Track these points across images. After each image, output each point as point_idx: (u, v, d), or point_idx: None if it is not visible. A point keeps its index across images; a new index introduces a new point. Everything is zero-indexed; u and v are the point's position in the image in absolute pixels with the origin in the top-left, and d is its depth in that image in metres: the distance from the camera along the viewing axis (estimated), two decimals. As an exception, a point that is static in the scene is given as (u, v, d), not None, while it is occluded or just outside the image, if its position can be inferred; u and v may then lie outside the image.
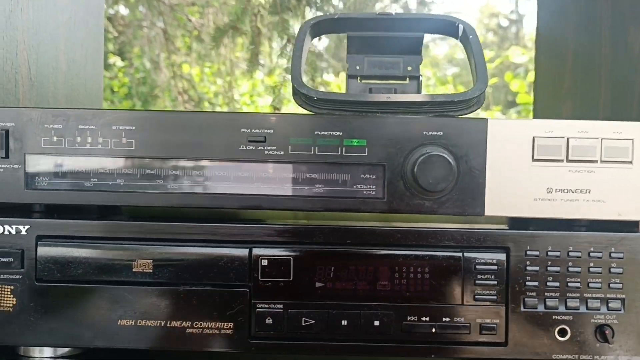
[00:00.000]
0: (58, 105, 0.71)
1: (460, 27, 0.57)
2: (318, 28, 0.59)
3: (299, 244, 0.49)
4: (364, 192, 0.49)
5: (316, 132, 0.49)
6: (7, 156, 0.49)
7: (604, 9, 0.63)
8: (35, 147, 0.49)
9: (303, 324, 0.49)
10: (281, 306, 0.49)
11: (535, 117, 0.82)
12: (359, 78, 0.59)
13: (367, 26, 0.58)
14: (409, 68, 0.59)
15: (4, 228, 0.49)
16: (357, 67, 0.59)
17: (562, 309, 0.49)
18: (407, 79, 0.58)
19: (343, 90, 0.58)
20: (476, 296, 0.49)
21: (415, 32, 0.58)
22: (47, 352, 0.52)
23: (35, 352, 0.53)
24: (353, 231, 0.50)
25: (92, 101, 0.79)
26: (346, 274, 0.49)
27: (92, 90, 0.78)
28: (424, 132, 0.48)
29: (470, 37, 0.56)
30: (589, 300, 0.49)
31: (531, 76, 2.56)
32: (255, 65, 1.77)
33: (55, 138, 0.49)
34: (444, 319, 0.49)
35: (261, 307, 0.49)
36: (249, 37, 1.71)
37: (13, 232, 0.49)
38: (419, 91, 0.58)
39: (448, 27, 0.58)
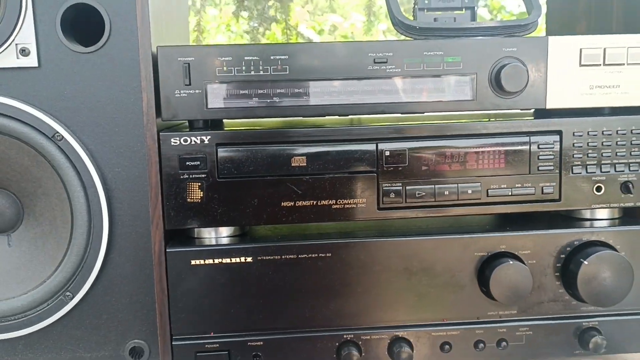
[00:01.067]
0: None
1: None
2: (399, -32, 0.74)
3: (411, 139, 0.67)
4: (459, 97, 0.66)
5: (424, 53, 0.65)
6: (190, 84, 0.64)
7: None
8: (212, 76, 0.64)
9: (417, 196, 0.68)
10: (400, 184, 0.67)
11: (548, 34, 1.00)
12: (425, 10, 0.74)
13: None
14: (466, 1, 0.74)
15: (190, 139, 0.64)
16: (426, 1, 0.74)
17: (598, 172, 0.69)
18: (464, 9, 0.74)
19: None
20: (539, 167, 0.68)
21: (475, -32, 0.74)
22: (225, 231, 0.69)
23: (206, 232, 0.70)
24: (450, 127, 0.67)
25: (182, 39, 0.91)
26: (445, 159, 0.68)
27: (182, 27, 0.91)
28: (503, 49, 0.66)
29: (522, -29, 0.72)
30: (617, 165, 0.69)
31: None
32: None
33: (227, 68, 0.64)
34: (516, 185, 0.68)
35: (385, 186, 0.67)
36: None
37: (198, 141, 0.65)
38: (473, 19, 0.74)
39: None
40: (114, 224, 0.67)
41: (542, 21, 0.88)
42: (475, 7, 0.74)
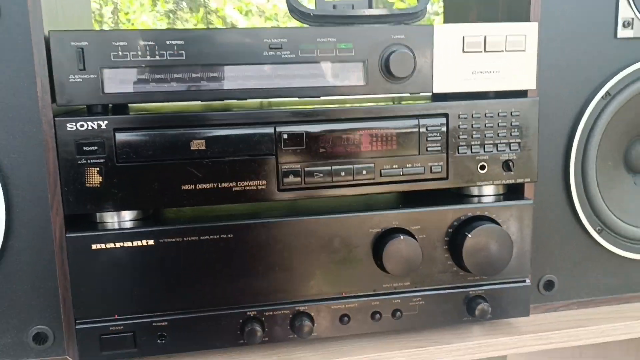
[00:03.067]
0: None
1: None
2: (297, -44, 0.76)
3: (309, 123, 0.70)
4: (352, 82, 0.70)
5: (317, 40, 0.68)
6: (84, 68, 0.64)
7: None
8: (107, 61, 0.64)
9: (314, 177, 0.71)
10: (298, 166, 0.70)
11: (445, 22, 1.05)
12: (323, -6, 0.77)
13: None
14: (364, -15, 0.78)
15: (87, 124, 0.65)
16: (324, -13, 0.77)
17: (482, 152, 0.74)
18: (363, -6, 0.78)
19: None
20: (428, 148, 0.73)
21: (369, -43, 0.77)
22: (127, 215, 0.70)
23: (108, 217, 0.70)
24: (346, 110, 0.71)
25: (83, 22, 0.90)
26: (341, 141, 0.71)
27: (84, 9, 0.89)
28: (392, 36, 0.69)
29: (412, -38, 0.76)
30: (498, 145, 0.74)
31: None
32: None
33: (121, 52, 0.64)
34: (407, 165, 0.73)
35: (285, 168, 0.70)
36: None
37: (95, 126, 0.65)
38: (370, 6, 0.77)
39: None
40: (11, 210, 0.67)
41: (440, 10, 0.93)
42: (373, -7, 0.78)
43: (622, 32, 0.78)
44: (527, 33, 0.72)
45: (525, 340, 0.77)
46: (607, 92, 0.78)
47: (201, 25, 2.40)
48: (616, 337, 0.79)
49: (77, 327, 0.68)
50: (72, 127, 0.64)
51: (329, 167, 0.71)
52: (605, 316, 0.82)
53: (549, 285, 0.83)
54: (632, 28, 0.78)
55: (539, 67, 0.75)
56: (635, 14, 0.77)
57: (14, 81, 0.64)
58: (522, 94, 0.75)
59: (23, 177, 0.66)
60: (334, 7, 0.76)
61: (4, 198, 0.66)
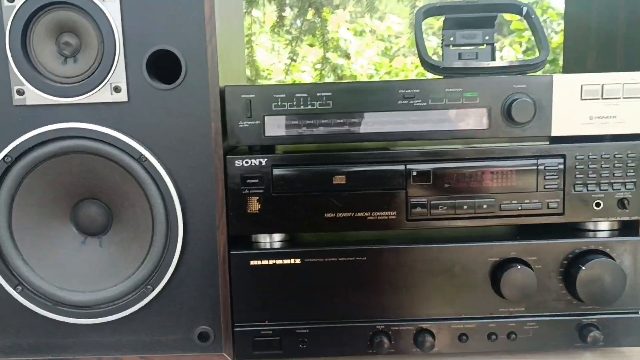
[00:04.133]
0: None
1: (525, 8, 0.85)
2: (426, 13, 0.86)
3: (435, 162, 0.79)
4: (476, 126, 0.78)
5: (446, 90, 0.77)
6: (251, 116, 0.77)
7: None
8: (269, 110, 0.77)
9: (439, 209, 0.80)
10: (425, 199, 0.80)
11: (564, 69, 1.11)
12: (451, 46, 0.86)
13: (461, 10, 0.85)
14: (487, 37, 0.86)
15: (251, 161, 0.78)
16: (451, 39, 0.86)
17: (597, 190, 0.80)
18: (485, 45, 0.86)
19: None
20: (545, 186, 0.80)
21: (491, 12, 0.85)
22: (278, 237, 0.83)
23: (261, 237, 0.83)
24: (469, 150, 0.79)
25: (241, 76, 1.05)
26: (464, 178, 0.80)
27: (241, 66, 1.05)
28: (514, 86, 0.77)
29: (532, 16, 0.84)
30: (614, 184, 0.80)
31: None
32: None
33: (281, 103, 0.77)
34: (525, 201, 0.80)
35: (413, 201, 0.80)
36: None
37: (257, 163, 0.78)
38: (493, 54, 0.86)
39: (515, 9, 0.86)
40: (187, 230, 0.81)
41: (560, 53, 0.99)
42: (494, 44, 0.86)
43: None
44: (644, 81, 0.78)
45: (638, 369, 0.81)
46: None
47: (319, 47, 2.55)
48: None
49: (235, 329, 0.81)
50: (239, 164, 0.78)
51: (453, 201, 0.80)
52: None
53: (663, 318, 0.86)
54: None
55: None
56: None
57: (194, 125, 0.79)
58: (639, 136, 0.80)
59: (197, 203, 0.81)
60: (459, 55, 0.85)
61: (182, 220, 0.81)
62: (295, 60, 2.38)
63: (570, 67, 1.07)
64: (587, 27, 0.98)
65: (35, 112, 0.79)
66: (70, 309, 0.83)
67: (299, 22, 2.23)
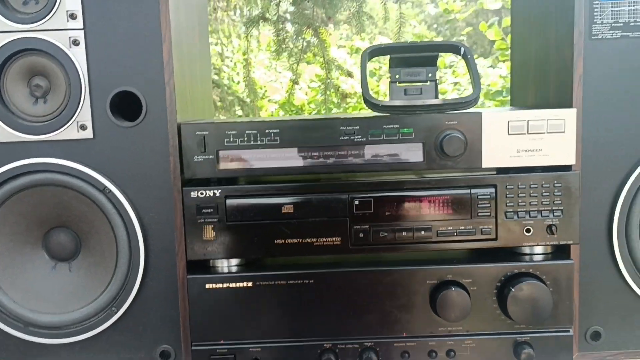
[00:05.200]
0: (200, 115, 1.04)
1: (462, 49, 0.92)
2: (372, 53, 0.93)
3: (376, 191, 0.86)
4: (412, 159, 0.85)
5: (384, 126, 0.84)
6: (205, 151, 0.84)
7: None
8: (222, 145, 0.84)
9: (380, 235, 0.86)
10: (367, 226, 0.86)
11: (511, 100, 1.18)
12: (397, 83, 0.93)
13: (404, 50, 0.92)
14: (429, 75, 0.93)
15: (205, 192, 0.85)
16: (397, 76, 0.93)
17: (527, 217, 0.86)
18: (428, 82, 0.93)
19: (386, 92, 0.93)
20: (479, 213, 0.86)
21: (432, 52, 0.92)
22: (233, 262, 0.89)
23: (218, 262, 0.90)
24: (407, 182, 0.86)
25: (205, 108, 1.12)
26: (404, 207, 0.86)
27: (206, 99, 1.12)
28: (446, 122, 0.84)
29: (469, 56, 0.91)
30: (542, 212, 0.86)
31: (506, 22, 2.74)
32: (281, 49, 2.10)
33: (232, 139, 0.84)
34: (461, 227, 0.86)
35: (356, 228, 0.86)
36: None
37: (211, 194, 0.85)
38: (436, 90, 0.92)
39: (454, 49, 0.93)
40: (148, 256, 0.88)
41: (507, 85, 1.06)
42: (437, 81, 0.93)
43: (661, 111, 0.87)
44: (566, 117, 0.84)
45: (568, 384, 0.87)
46: (649, 165, 0.87)
47: (320, 67, 2.60)
48: (657, 388, 0.87)
49: (192, 348, 0.88)
50: (194, 195, 0.85)
51: (393, 228, 0.86)
52: (650, 368, 0.90)
53: (596, 335, 0.92)
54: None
55: (585, 144, 0.86)
56: None
57: (154, 159, 0.86)
58: (566, 168, 0.87)
59: (158, 231, 0.88)
60: (405, 91, 0.92)
61: (144, 246, 0.87)
62: (297, 83, 2.45)
63: (516, 101, 1.14)
64: (527, 64, 1.05)
65: (7, 149, 0.86)
66: (41, 329, 0.90)
67: (297, 43, 2.30)
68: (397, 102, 0.87)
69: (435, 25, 6.18)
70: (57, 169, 0.86)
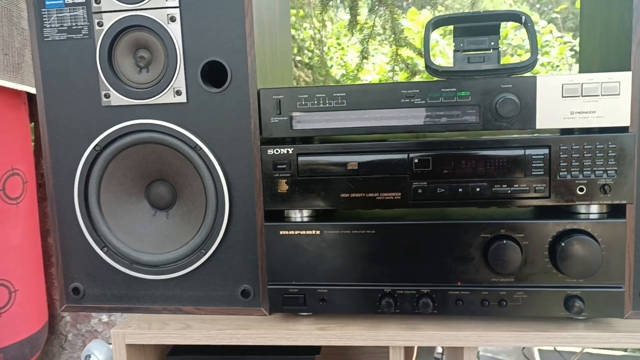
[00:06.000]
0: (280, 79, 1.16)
1: (523, 17, 0.96)
2: (436, 24, 1.00)
3: (434, 150, 0.93)
4: (469, 120, 0.92)
5: (442, 90, 0.91)
6: (280, 113, 0.95)
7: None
8: (294, 107, 0.95)
9: (438, 191, 0.94)
10: (425, 183, 0.94)
11: (579, 69, 1.20)
12: (461, 52, 0.99)
13: (467, 19, 0.98)
14: (492, 43, 0.98)
15: (280, 150, 0.96)
16: (461, 45, 0.99)
17: (580, 177, 0.90)
18: (491, 50, 0.98)
19: (451, 60, 1.00)
20: (532, 172, 0.91)
21: (494, 21, 0.98)
22: (305, 212, 1.00)
23: (292, 213, 1.01)
24: (463, 141, 0.93)
25: (285, 80, 1.24)
26: (460, 165, 0.93)
27: (285, 71, 1.24)
28: (501, 86, 0.90)
29: (529, 24, 0.95)
30: (596, 172, 0.90)
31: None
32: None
33: (304, 102, 0.95)
34: (514, 185, 0.92)
35: (415, 184, 0.94)
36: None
37: (285, 152, 0.96)
38: (499, 58, 0.98)
39: (516, 18, 0.98)
40: (232, 206, 1.01)
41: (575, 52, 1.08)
42: (499, 49, 0.98)
43: None
44: (621, 80, 0.87)
45: (618, 337, 0.90)
46: None
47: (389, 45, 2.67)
48: None
49: (268, 287, 1.00)
50: (271, 152, 0.97)
51: (450, 185, 0.93)
52: None
53: (652, 295, 0.94)
54: None
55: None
56: None
57: (238, 121, 0.98)
58: (622, 129, 0.90)
59: (240, 184, 1.00)
60: (469, 59, 0.98)
61: (229, 197, 1.00)
62: (367, 58, 2.54)
63: (583, 69, 1.16)
64: (593, 32, 1.07)
65: (117, 112, 1.01)
66: (142, 267, 1.05)
67: (370, 21, 2.38)
68: (454, 68, 0.93)
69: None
70: (157, 129, 1.01)
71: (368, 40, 2.41)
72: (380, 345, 0.96)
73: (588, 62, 1.13)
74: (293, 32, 3.29)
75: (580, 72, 1.20)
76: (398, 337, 0.96)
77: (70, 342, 2.06)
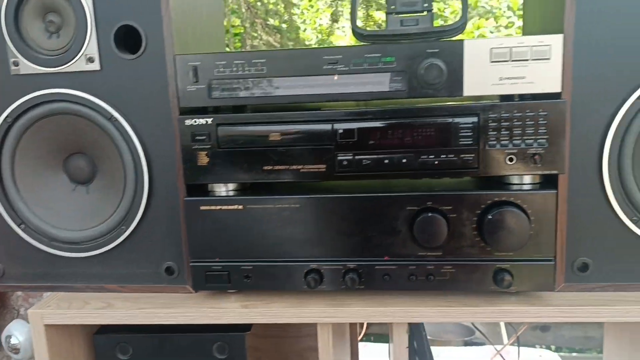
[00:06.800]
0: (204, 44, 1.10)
1: (454, -23, 0.91)
2: (364, -16, 0.94)
3: (360, 120, 0.89)
4: (394, 87, 0.87)
5: (365, 55, 0.86)
6: (197, 81, 0.90)
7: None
8: (212, 74, 0.89)
9: (363, 163, 0.89)
10: (351, 155, 0.90)
11: (523, 31, 1.15)
12: (394, 14, 0.94)
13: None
14: (425, 4, 0.93)
15: (199, 120, 0.91)
16: (392, 7, 0.93)
17: (510, 146, 0.86)
18: (425, 12, 0.93)
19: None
20: (460, 141, 0.87)
21: (427, -18, 0.92)
22: (230, 186, 0.95)
23: (216, 187, 0.96)
24: (389, 111, 0.88)
25: (214, 47, 1.17)
26: (386, 134, 0.88)
27: (215, 38, 1.17)
28: (427, 50, 0.85)
29: (459, -16, 0.90)
30: (526, 140, 0.86)
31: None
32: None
33: (222, 69, 0.89)
34: (442, 156, 0.88)
35: (340, 156, 0.90)
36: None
37: (204, 122, 0.91)
38: (432, 20, 0.93)
39: (446, -23, 0.92)
40: (152, 179, 0.96)
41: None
42: (432, 11, 0.93)
43: (660, 38, 0.83)
44: (552, 43, 0.83)
45: (546, 311, 0.88)
46: (643, 94, 0.85)
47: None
48: (637, 318, 0.86)
49: (190, 264, 0.96)
50: (189, 123, 0.91)
51: (375, 156, 0.89)
52: (635, 299, 0.89)
53: (584, 267, 0.92)
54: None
55: (575, 71, 0.84)
56: None
57: (155, 89, 0.93)
58: (554, 95, 0.86)
59: (160, 157, 0.95)
60: (401, 22, 0.93)
61: (147, 170, 0.95)
62: (337, 21, 2.47)
63: (528, 29, 1.11)
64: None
65: (27, 80, 0.95)
66: (62, 244, 1.00)
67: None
68: (380, 32, 0.88)
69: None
70: (71, 99, 0.94)
71: (337, 3, 2.34)
72: (308, 323, 0.93)
73: (530, 24, 1.08)
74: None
75: (523, 35, 1.15)
76: (324, 314, 0.92)
77: (22, 316, 2.02)
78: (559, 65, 0.84)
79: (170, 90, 0.92)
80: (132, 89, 0.94)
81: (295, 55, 0.88)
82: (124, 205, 0.97)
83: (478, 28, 4.47)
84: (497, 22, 4.51)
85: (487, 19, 4.50)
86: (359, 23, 0.89)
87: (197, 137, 0.91)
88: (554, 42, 0.83)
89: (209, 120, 0.91)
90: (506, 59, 0.84)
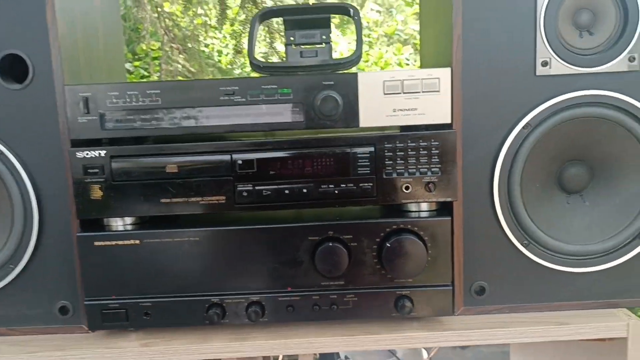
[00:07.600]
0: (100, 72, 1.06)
1: (351, 10, 0.93)
2: (264, 16, 0.95)
3: (259, 151, 0.88)
4: (292, 119, 0.87)
5: (262, 87, 0.86)
6: (88, 112, 0.86)
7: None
8: (104, 106, 0.86)
9: (263, 194, 0.89)
10: (251, 186, 0.89)
11: (421, 58, 1.19)
12: (293, 45, 0.95)
13: (295, 12, 0.94)
14: (324, 37, 0.94)
15: (90, 153, 0.87)
16: (292, 39, 0.94)
17: (406, 175, 0.88)
18: (323, 44, 0.94)
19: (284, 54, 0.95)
20: (358, 171, 0.88)
21: (323, 14, 0.94)
22: (128, 220, 0.92)
23: (112, 221, 0.93)
24: (288, 141, 0.88)
25: (114, 75, 1.14)
26: (286, 165, 0.88)
27: (114, 66, 1.14)
28: (323, 82, 0.86)
29: (356, 18, 0.92)
30: (420, 169, 0.88)
31: None
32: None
33: (114, 100, 0.86)
34: (341, 185, 0.89)
35: (240, 187, 0.89)
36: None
37: (96, 154, 0.88)
38: (330, 52, 0.94)
39: (344, 11, 0.94)
40: (43, 214, 0.91)
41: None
42: (331, 43, 0.94)
43: (540, 71, 0.89)
44: (440, 76, 0.86)
45: (446, 335, 0.90)
46: (528, 123, 0.89)
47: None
48: (531, 339, 0.90)
49: (85, 302, 0.91)
50: (80, 155, 0.87)
51: (276, 187, 0.89)
52: (529, 320, 0.93)
53: (481, 290, 0.95)
54: (550, 67, 0.88)
55: (464, 102, 0.88)
56: (551, 54, 0.88)
57: (45, 121, 0.88)
58: (445, 126, 0.89)
59: (52, 191, 0.90)
60: (301, 54, 0.94)
61: (37, 205, 0.90)
62: (240, 52, 2.47)
63: (425, 61, 1.15)
64: (430, 23, 1.06)
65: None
66: (-57, 286, 0.93)
67: (241, 16, 2.31)
68: (277, 64, 0.88)
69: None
70: (-50, 131, 0.88)
71: (240, 35, 2.34)
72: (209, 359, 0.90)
73: (426, 57, 1.12)
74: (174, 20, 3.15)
75: (420, 67, 1.19)
76: (227, 348, 0.90)
77: None
78: (448, 97, 0.87)
79: (60, 121, 0.88)
80: (20, 120, 0.89)
81: (191, 87, 0.87)
82: (11, 243, 0.91)
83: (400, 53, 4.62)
84: (414, 49, 4.66)
85: (404, 45, 4.65)
86: (260, 56, 0.89)
87: (90, 170, 0.88)
88: (442, 75, 0.86)
89: (102, 153, 0.87)
90: (398, 91, 0.86)
